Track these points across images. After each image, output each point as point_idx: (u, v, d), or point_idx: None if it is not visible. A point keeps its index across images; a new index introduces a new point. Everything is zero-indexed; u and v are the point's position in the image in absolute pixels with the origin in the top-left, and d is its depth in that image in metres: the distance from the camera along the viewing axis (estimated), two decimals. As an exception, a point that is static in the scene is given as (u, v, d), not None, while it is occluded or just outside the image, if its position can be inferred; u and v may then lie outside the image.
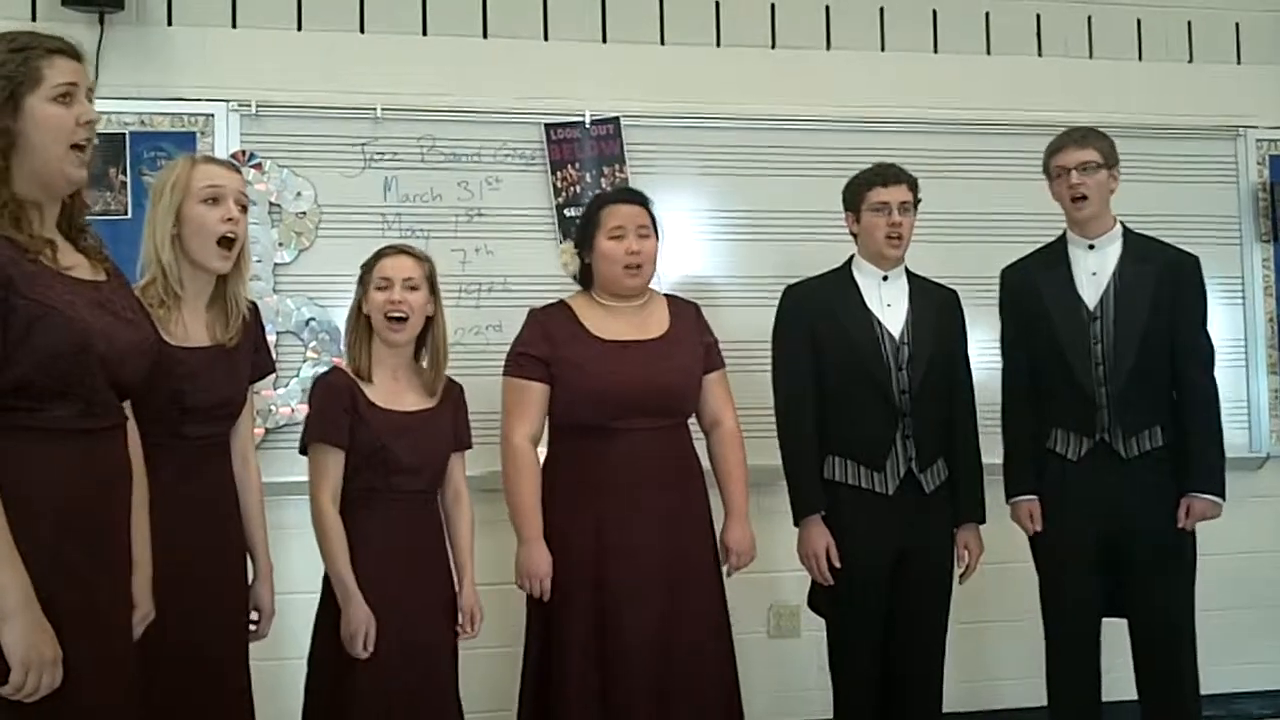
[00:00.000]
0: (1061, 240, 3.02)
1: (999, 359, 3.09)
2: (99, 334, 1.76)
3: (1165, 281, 2.90)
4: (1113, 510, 2.84)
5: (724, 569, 2.81)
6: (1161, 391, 2.91)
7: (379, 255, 2.62)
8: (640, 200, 2.80)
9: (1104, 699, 2.94)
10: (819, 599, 2.96)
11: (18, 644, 1.61)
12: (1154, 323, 2.87)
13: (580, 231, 2.83)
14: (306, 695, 2.53)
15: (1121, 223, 2.98)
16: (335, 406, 2.51)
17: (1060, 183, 2.95)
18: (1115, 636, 2.93)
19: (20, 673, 1.62)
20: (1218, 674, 3.21)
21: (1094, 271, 2.93)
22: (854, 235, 2.98)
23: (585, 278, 2.84)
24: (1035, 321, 2.96)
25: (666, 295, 2.88)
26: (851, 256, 2.99)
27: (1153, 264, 2.91)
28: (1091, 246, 2.95)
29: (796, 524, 2.89)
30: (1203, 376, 2.92)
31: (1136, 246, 2.96)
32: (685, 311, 2.86)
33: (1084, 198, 2.90)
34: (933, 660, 2.92)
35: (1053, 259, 2.99)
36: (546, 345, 2.71)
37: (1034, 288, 2.97)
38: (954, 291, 3.02)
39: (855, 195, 2.95)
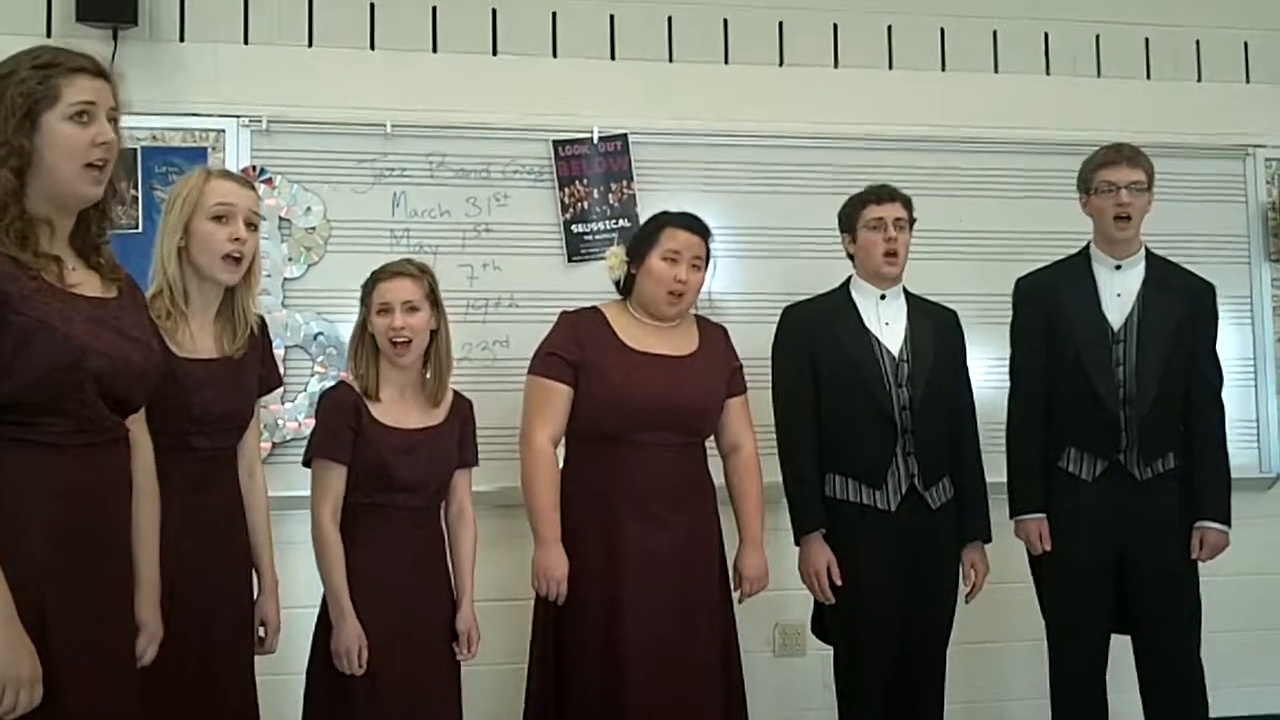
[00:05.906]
0: (1084, 256, 2.98)
1: (1003, 378, 3.07)
2: (95, 351, 1.75)
3: (1187, 310, 2.90)
4: (1125, 530, 2.83)
5: (735, 594, 2.81)
6: (1178, 417, 2.91)
7: (376, 278, 2.59)
8: (702, 231, 2.78)
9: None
10: (823, 624, 2.95)
11: None
12: (1176, 350, 2.87)
13: (635, 243, 2.82)
14: (305, 709, 2.54)
15: (1144, 244, 2.96)
16: (340, 422, 2.51)
17: (1106, 198, 2.89)
18: (1121, 657, 2.92)
19: None
20: (1227, 696, 3.18)
21: (1119, 293, 2.91)
22: (851, 257, 2.98)
23: (626, 287, 2.83)
24: (1057, 338, 2.93)
25: (696, 316, 2.88)
26: (849, 277, 2.99)
27: (1176, 292, 2.90)
28: (1118, 267, 2.93)
29: (797, 543, 2.88)
30: (1211, 403, 2.92)
31: (1159, 271, 2.93)
32: (714, 334, 2.87)
33: (1128, 218, 2.88)
34: (935, 679, 2.90)
35: (1076, 275, 2.95)
36: (576, 349, 2.71)
37: (1057, 302, 2.94)
38: (953, 311, 3.01)
39: (850, 215, 2.95)
